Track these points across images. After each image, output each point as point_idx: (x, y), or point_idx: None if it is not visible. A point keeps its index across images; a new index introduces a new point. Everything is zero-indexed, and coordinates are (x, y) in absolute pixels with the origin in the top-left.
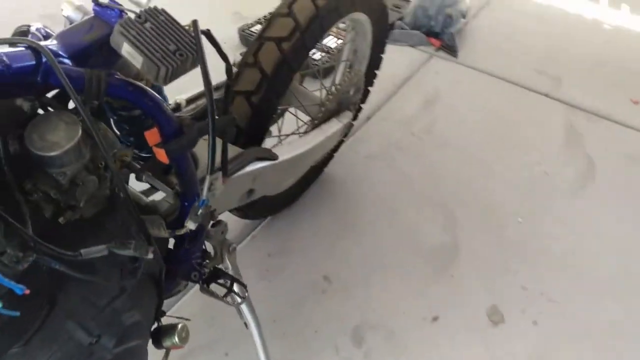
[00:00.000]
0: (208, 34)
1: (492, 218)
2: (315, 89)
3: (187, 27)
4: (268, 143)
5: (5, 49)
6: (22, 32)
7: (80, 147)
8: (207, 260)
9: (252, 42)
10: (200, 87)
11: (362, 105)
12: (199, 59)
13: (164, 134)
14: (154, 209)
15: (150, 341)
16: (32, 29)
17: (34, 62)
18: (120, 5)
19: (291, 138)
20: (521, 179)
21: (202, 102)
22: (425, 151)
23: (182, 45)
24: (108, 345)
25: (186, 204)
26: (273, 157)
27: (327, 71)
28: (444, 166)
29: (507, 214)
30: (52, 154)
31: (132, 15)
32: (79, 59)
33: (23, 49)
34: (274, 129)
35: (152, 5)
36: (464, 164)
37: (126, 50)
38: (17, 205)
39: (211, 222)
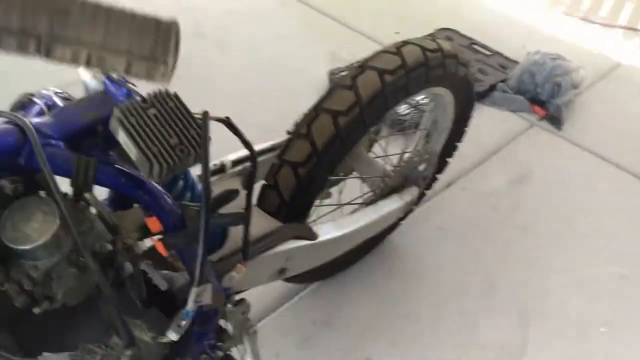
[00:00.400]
0: (228, 122)
1: (570, 322)
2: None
3: (199, 116)
4: (323, 209)
5: None
6: (21, 103)
7: (59, 240)
8: (223, 342)
9: (309, 110)
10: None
11: (439, 175)
12: (202, 158)
13: (164, 225)
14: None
15: None
16: (36, 97)
17: (15, 142)
18: (133, 85)
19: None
20: (609, 285)
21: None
22: (506, 233)
23: (185, 139)
24: None
25: None
26: (312, 236)
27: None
28: (525, 253)
29: (589, 321)
30: (22, 247)
31: (138, 98)
32: (74, 140)
33: (7, 125)
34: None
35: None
36: (548, 254)
37: (122, 138)
38: None
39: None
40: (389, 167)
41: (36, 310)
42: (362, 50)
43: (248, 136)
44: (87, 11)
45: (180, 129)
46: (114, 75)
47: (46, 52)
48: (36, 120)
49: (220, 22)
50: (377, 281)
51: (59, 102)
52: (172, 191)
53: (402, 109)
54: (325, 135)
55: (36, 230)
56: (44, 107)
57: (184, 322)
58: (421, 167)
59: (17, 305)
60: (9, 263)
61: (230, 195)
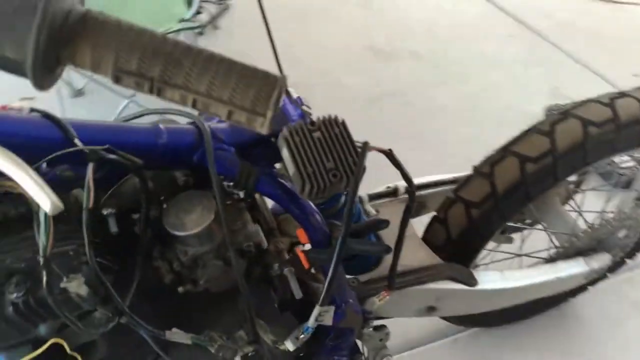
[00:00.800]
0: (390, 155)
1: None
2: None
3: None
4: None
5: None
6: None
7: (210, 233)
8: None
9: (496, 150)
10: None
11: None
12: (352, 184)
13: (311, 239)
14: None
15: None
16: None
17: (192, 140)
18: (308, 107)
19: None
20: None
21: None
22: None
23: (341, 165)
24: None
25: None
26: (470, 282)
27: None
28: None
29: None
30: (178, 233)
31: (308, 120)
32: (245, 148)
33: (190, 125)
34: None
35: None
36: None
37: (284, 154)
38: (133, 267)
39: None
40: (581, 226)
41: (180, 290)
42: (589, 90)
43: (445, 164)
44: (198, 63)
45: (338, 155)
46: (292, 96)
47: (157, 92)
48: (216, 125)
49: (438, 42)
50: (546, 344)
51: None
52: (332, 207)
53: (622, 160)
54: (508, 180)
55: (192, 221)
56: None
57: (302, 336)
58: (621, 234)
59: (165, 282)
60: (166, 244)
61: (379, 224)
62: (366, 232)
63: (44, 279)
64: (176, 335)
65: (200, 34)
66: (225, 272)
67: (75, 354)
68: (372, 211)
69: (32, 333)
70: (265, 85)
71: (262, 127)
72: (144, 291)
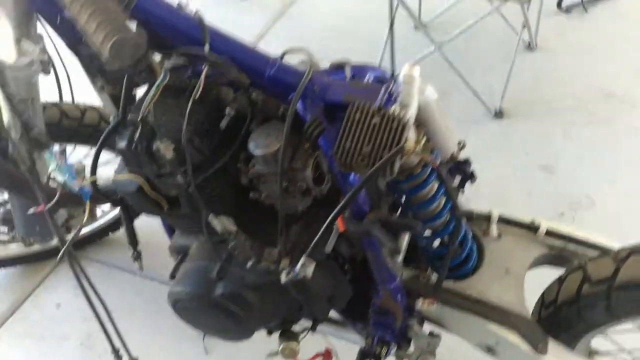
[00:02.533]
0: (438, 170)
1: None
2: None
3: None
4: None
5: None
6: (337, 64)
7: (272, 159)
8: (399, 349)
9: None
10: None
11: None
12: (365, 175)
13: (353, 209)
14: None
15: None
16: (348, 66)
17: (293, 82)
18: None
19: None
20: None
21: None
22: None
23: (374, 155)
24: None
25: None
26: (537, 347)
27: None
28: None
29: None
30: (250, 149)
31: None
32: (331, 107)
33: (297, 67)
34: None
35: None
36: None
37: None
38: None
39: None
40: None
41: (251, 195)
42: None
43: None
44: None
45: (379, 146)
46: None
47: None
48: (323, 78)
49: None
50: None
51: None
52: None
53: None
54: (633, 273)
55: (261, 145)
56: (348, 76)
57: (290, 275)
58: None
59: (242, 182)
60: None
61: (411, 225)
62: (397, 226)
63: (137, 132)
64: (215, 221)
65: None
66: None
67: (157, 196)
68: (494, 232)
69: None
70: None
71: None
72: (225, 185)
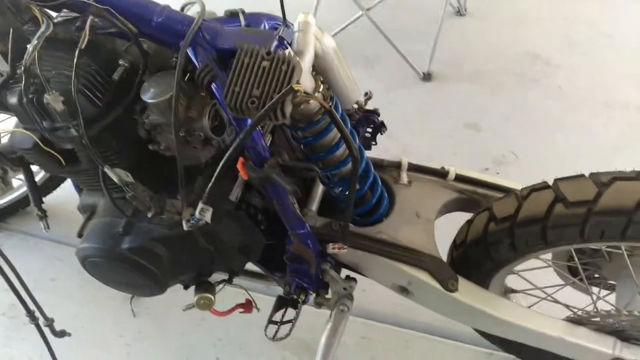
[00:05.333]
0: (329, 112)
1: None
2: None
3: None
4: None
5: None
6: (230, 12)
7: (166, 108)
8: (317, 295)
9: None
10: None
11: None
12: (255, 118)
13: (251, 155)
14: None
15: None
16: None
17: (182, 30)
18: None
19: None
20: None
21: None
22: None
23: (264, 97)
24: None
25: None
26: (447, 286)
27: None
28: None
29: None
30: (142, 98)
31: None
32: (223, 54)
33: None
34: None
35: None
36: None
37: (232, 66)
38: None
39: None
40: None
41: (150, 147)
42: None
43: None
44: None
45: (269, 89)
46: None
47: None
48: (214, 26)
49: None
50: None
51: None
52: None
53: None
54: (532, 211)
55: (154, 93)
56: (243, 24)
57: (191, 222)
58: None
59: (140, 134)
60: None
61: (303, 167)
62: (296, 170)
63: (23, 83)
64: (111, 172)
65: None
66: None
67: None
68: (404, 179)
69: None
70: None
71: None
72: (122, 138)
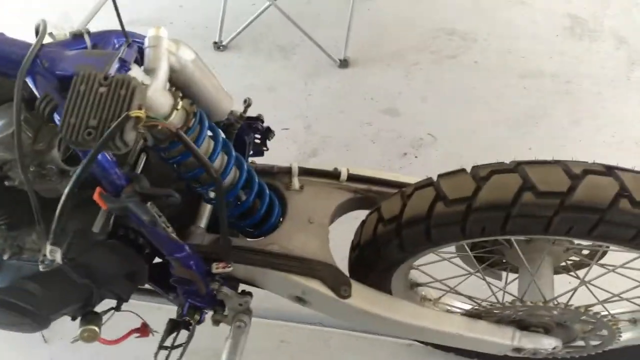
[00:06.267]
0: (177, 135)
1: None
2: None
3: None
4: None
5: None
6: (74, 34)
7: (11, 144)
8: (215, 313)
9: (427, 180)
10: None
11: None
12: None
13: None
14: None
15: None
16: (90, 34)
17: (19, 56)
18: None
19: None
20: None
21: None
22: None
23: (101, 127)
24: None
25: None
26: (340, 293)
27: None
28: None
29: None
30: None
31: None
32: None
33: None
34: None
35: None
36: None
37: (67, 95)
38: None
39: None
40: (549, 295)
41: (6, 183)
42: None
43: None
44: None
45: (107, 116)
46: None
47: None
48: (55, 50)
49: None
50: None
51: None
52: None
53: None
54: (415, 211)
55: None
56: (89, 45)
57: (46, 263)
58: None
59: None
60: None
61: (167, 196)
62: (152, 197)
63: None
64: None
65: None
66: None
67: None
68: (296, 185)
69: None
70: None
71: None
72: None
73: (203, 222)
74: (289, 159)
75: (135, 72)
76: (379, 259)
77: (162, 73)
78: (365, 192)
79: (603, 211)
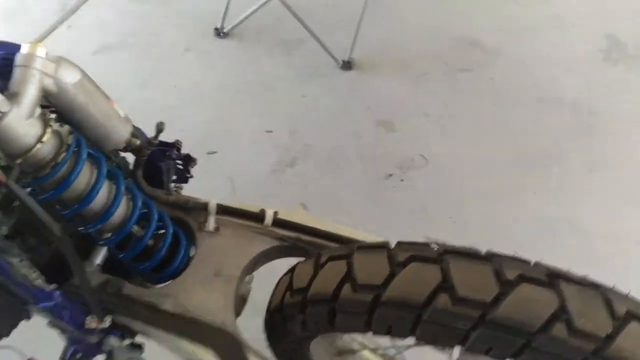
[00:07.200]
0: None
1: None
2: None
3: None
4: None
5: None
6: None
7: None
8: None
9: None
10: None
11: None
12: None
13: None
14: None
15: None
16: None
17: None
18: None
19: None
20: None
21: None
22: None
23: None
24: None
25: None
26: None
27: None
28: None
29: None
30: None
31: None
32: None
33: None
34: None
35: None
36: None
37: None
38: None
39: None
40: None
41: None
42: None
43: None
44: None
45: None
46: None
47: None
48: None
49: None
50: None
51: None
52: None
53: None
54: (322, 288)
55: None
56: None
57: None
58: None
59: None
60: None
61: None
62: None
63: None
64: None
65: None
66: None
67: None
68: (210, 225)
69: None
70: None
71: None
72: None
73: (99, 259)
74: (265, 166)
75: None
76: (285, 332)
77: (28, 99)
78: (294, 240)
79: (531, 334)
